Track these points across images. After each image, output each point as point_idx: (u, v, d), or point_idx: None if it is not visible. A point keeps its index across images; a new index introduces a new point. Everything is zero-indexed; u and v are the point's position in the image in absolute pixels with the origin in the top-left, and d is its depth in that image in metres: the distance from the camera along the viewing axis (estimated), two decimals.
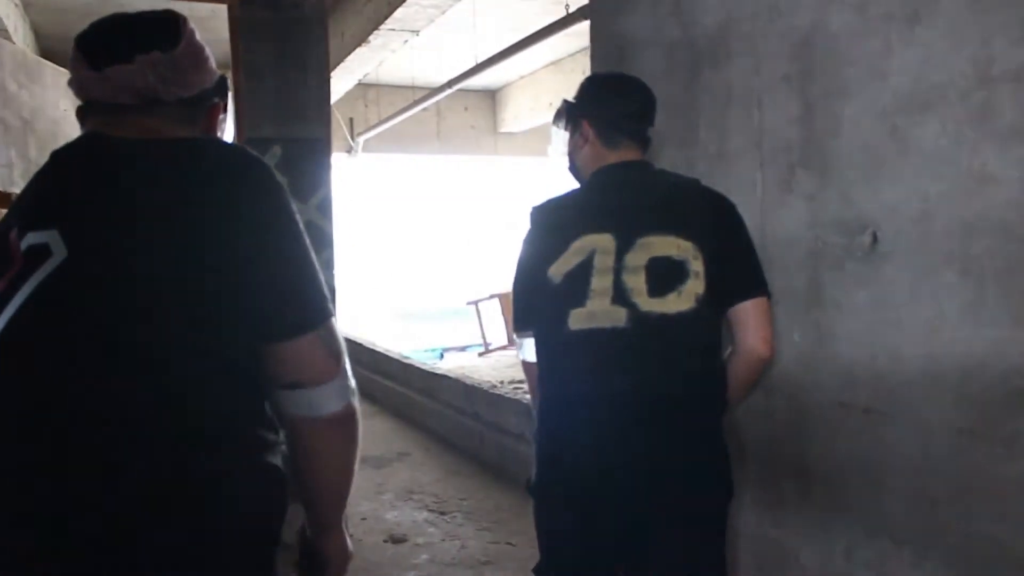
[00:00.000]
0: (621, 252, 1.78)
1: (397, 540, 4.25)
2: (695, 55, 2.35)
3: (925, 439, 1.76)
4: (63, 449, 1.06)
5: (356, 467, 1.30)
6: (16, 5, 7.12)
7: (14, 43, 6.61)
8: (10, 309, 1.11)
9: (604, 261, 1.78)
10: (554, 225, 1.92)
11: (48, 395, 1.09)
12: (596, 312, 1.77)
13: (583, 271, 1.80)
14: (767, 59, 2.12)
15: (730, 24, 2.23)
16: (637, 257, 1.77)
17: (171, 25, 1.35)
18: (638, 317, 1.74)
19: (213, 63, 1.42)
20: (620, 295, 1.75)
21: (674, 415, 1.74)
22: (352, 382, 1.26)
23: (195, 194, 1.17)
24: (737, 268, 1.82)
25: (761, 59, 2.14)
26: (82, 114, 1.34)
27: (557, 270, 1.84)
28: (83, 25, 1.40)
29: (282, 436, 1.26)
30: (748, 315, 1.81)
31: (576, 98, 2.04)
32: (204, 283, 1.13)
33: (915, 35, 1.72)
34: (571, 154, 2.05)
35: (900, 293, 1.79)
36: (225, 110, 1.45)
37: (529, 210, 1.99)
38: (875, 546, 1.90)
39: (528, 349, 1.96)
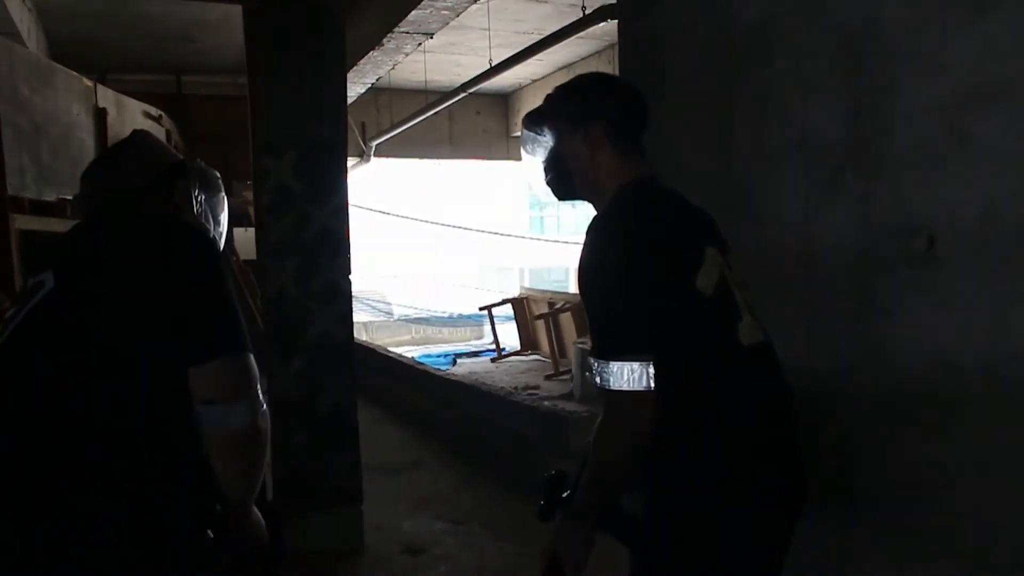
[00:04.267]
0: (728, 266, 1.63)
1: (414, 551, 4.16)
2: (733, 52, 2.26)
3: (986, 456, 1.66)
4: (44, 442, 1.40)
5: (259, 473, 1.63)
6: (29, 10, 7.08)
7: (27, 48, 6.57)
8: (12, 324, 1.50)
9: (729, 274, 1.61)
10: (680, 231, 1.63)
11: (28, 391, 1.44)
12: (752, 326, 1.60)
13: (724, 283, 1.59)
14: (811, 55, 2.03)
15: (772, 20, 2.13)
16: (736, 274, 1.64)
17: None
18: (765, 331, 1.64)
19: (166, 154, 1.85)
20: (750, 308, 1.63)
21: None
22: (261, 406, 1.55)
23: (146, 255, 1.56)
24: None
25: (805, 55, 2.04)
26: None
27: (706, 281, 1.57)
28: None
29: None
30: None
31: (583, 97, 1.75)
32: (146, 318, 1.48)
33: (977, 26, 1.62)
34: (565, 161, 1.73)
35: (959, 300, 1.69)
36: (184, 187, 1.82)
37: (631, 211, 1.64)
38: (933, 570, 1.79)
39: (639, 375, 1.52)
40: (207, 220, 1.84)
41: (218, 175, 1.94)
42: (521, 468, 5.23)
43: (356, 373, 4.12)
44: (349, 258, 4.13)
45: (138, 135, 1.86)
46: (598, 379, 1.54)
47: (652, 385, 1.49)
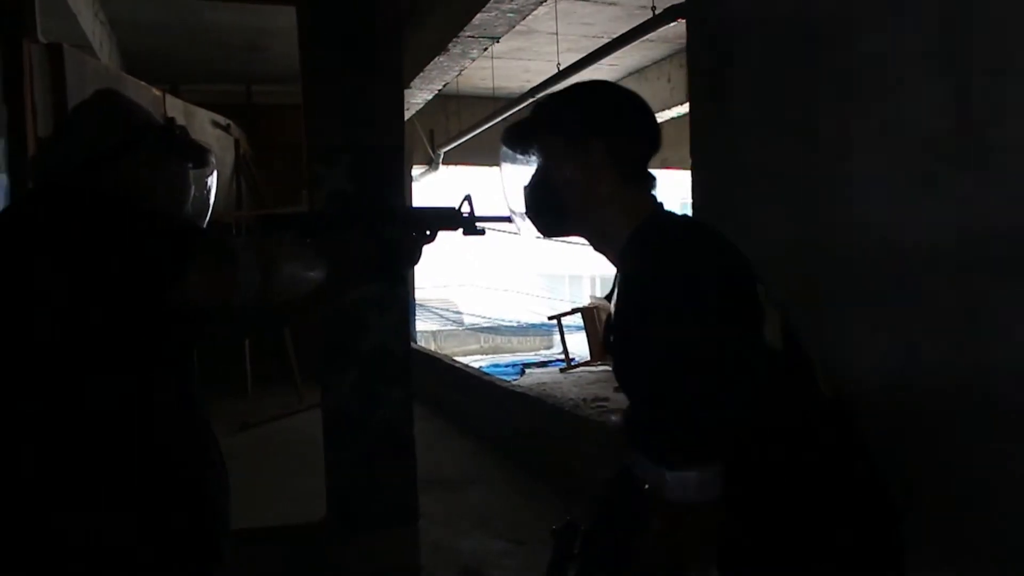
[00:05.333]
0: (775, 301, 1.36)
1: (472, 574, 3.98)
2: (811, 37, 2.03)
3: None
4: None
5: (276, 266, 1.48)
6: (102, 23, 7.20)
7: (97, 60, 6.65)
8: None
9: (783, 313, 1.35)
10: (736, 278, 1.29)
11: None
12: (821, 370, 1.35)
13: (787, 328, 1.32)
14: (905, 35, 1.78)
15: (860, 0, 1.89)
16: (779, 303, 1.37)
17: None
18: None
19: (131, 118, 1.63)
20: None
21: None
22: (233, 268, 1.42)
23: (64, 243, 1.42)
24: None
25: (897, 35, 1.80)
26: None
27: (773, 331, 1.29)
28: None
29: None
30: None
31: (580, 110, 1.42)
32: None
33: None
34: (555, 190, 1.40)
35: None
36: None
37: (677, 259, 1.28)
38: None
39: (710, 483, 1.20)
40: (175, 194, 1.65)
41: (203, 145, 1.75)
42: (585, 486, 5.01)
43: (412, 385, 3.98)
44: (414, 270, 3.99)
45: (100, 94, 1.66)
46: (650, 484, 1.24)
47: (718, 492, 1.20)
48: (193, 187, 1.73)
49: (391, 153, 3.94)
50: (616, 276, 1.41)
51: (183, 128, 1.79)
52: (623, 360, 1.36)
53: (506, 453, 6.26)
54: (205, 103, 7.78)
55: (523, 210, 1.45)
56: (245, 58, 8.72)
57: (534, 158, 1.42)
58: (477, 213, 1.75)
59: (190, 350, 1.57)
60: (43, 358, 1.35)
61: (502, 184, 1.49)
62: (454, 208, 1.74)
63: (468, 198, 1.74)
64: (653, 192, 1.42)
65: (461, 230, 1.75)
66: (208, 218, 1.84)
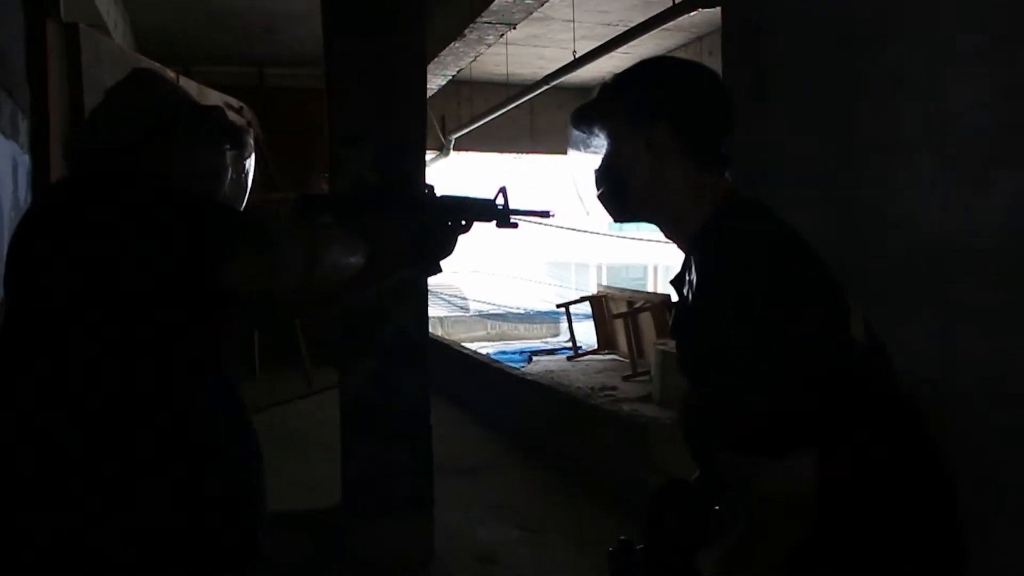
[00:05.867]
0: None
1: (486, 560, 3.99)
2: (855, 29, 2.00)
3: None
4: None
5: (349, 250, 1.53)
6: (116, 3, 7.17)
7: (112, 39, 6.63)
8: None
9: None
10: (822, 270, 1.29)
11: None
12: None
13: (868, 324, 1.30)
14: (953, 29, 1.76)
15: None
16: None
17: None
18: None
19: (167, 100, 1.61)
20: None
21: None
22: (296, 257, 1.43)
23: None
24: None
25: (945, 30, 1.78)
26: None
27: (857, 327, 1.27)
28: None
29: None
30: None
31: (646, 89, 1.38)
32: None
33: None
34: (622, 173, 1.37)
35: None
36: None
37: (761, 249, 1.28)
38: None
39: (806, 471, 1.19)
40: (212, 177, 1.61)
41: (242, 126, 1.71)
42: (599, 474, 5.01)
43: (430, 373, 3.98)
44: None
45: (137, 75, 1.63)
46: (742, 475, 1.23)
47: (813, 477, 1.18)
48: (231, 169, 1.71)
49: (414, 138, 3.92)
50: (686, 262, 1.37)
51: (220, 109, 1.75)
52: (697, 349, 1.33)
53: (517, 441, 6.26)
54: (217, 85, 7.75)
55: (594, 194, 1.42)
56: (259, 41, 8.69)
57: (602, 141, 1.38)
58: (510, 205, 1.74)
59: (233, 337, 1.55)
60: (95, 344, 1.33)
61: (571, 167, 1.46)
62: (491, 199, 1.72)
63: (503, 190, 1.72)
64: (726, 175, 1.38)
65: (495, 222, 1.73)
66: (245, 201, 1.81)
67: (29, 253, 1.42)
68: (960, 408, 1.77)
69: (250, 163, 1.79)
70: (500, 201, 1.72)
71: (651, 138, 1.34)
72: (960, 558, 1.29)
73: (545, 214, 1.85)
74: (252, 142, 1.78)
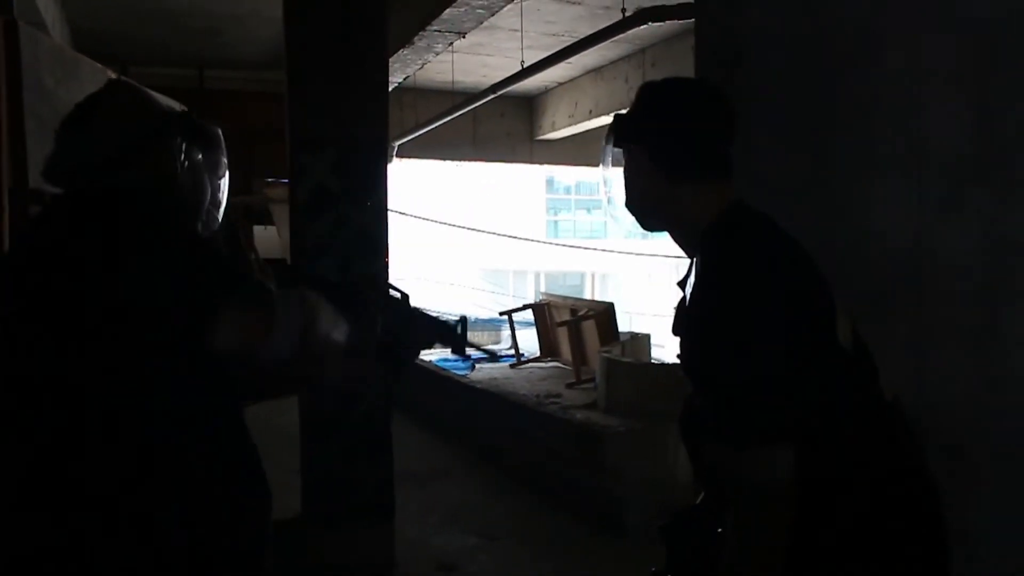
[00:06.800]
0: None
1: (447, 568, 3.99)
2: (833, 52, 2.08)
3: None
4: None
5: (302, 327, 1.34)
6: (54, 0, 6.96)
7: (51, 38, 6.43)
8: None
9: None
10: (811, 275, 1.38)
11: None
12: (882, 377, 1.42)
13: (855, 331, 1.39)
14: (930, 54, 1.85)
15: (880, 15, 1.95)
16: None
17: None
18: None
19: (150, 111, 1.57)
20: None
21: None
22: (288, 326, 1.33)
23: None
24: None
25: (921, 55, 1.87)
26: None
27: (844, 332, 1.36)
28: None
29: None
30: None
31: (631, 117, 1.50)
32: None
33: None
34: (628, 188, 1.50)
35: None
36: None
37: (756, 253, 1.37)
38: None
39: (784, 464, 1.27)
40: (200, 187, 1.59)
41: (219, 132, 1.67)
42: (552, 480, 5.05)
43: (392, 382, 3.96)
44: (387, 260, 3.97)
45: (115, 86, 1.59)
46: (727, 467, 1.30)
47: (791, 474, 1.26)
48: (213, 177, 1.65)
49: (376, 144, 3.91)
50: (690, 265, 1.46)
51: (195, 114, 1.71)
52: (693, 348, 1.40)
53: (468, 448, 6.27)
54: (156, 87, 7.54)
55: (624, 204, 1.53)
56: (200, 42, 8.52)
57: (622, 155, 1.50)
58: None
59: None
60: (96, 362, 1.31)
61: (610, 179, 1.57)
62: (454, 327, 1.71)
63: (464, 319, 1.73)
64: (724, 185, 1.46)
65: (451, 348, 1.72)
66: (224, 209, 1.77)
67: (40, 284, 1.37)
68: (934, 422, 1.86)
69: (225, 167, 1.75)
70: (459, 329, 1.71)
71: (634, 160, 1.47)
72: (943, 562, 1.36)
73: (495, 357, 1.91)
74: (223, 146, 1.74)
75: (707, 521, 1.45)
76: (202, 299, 1.28)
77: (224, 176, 1.72)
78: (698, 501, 1.51)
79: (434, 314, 1.78)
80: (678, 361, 1.47)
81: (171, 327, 1.29)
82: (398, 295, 1.68)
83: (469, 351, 1.77)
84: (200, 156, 1.61)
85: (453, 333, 1.70)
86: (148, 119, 1.54)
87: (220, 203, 1.73)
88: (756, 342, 1.29)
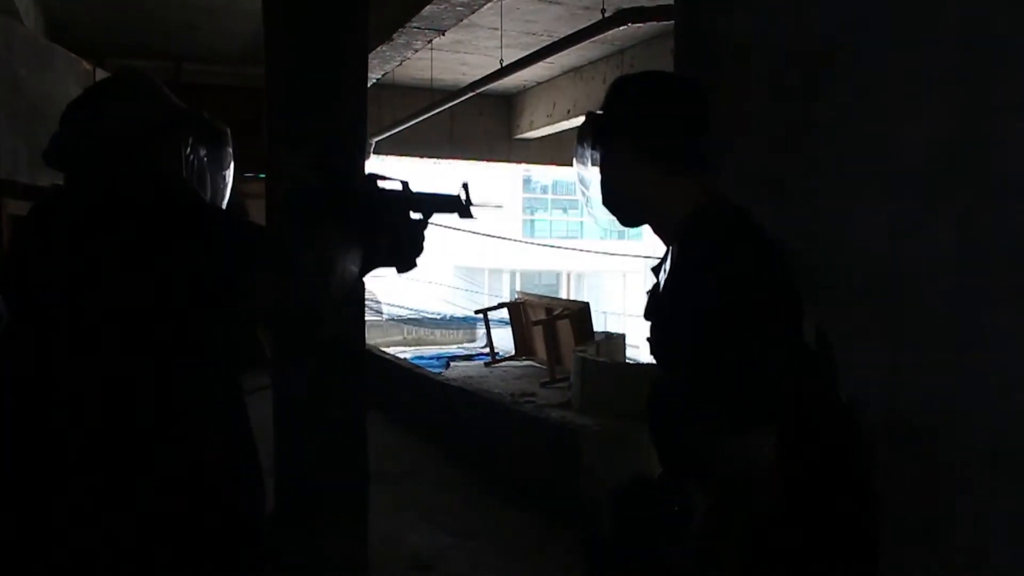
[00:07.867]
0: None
1: (422, 567, 3.98)
2: (812, 60, 2.11)
3: None
4: None
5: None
6: None
7: (25, 26, 6.34)
8: None
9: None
10: (783, 273, 1.39)
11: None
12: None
13: (821, 330, 1.40)
14: (906, 62, 1.88)
15: (860, 24, 1.98)
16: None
17: None
18: None
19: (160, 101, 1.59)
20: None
21: None
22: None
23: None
24: None
25: (900, 65, 1.89)
26: None
27: (809, 332, 1.37)
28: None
29: None
30: None
31: (612, 111, 1.51)
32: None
33: None
34: (605, 184, 1.50)
35: None
36: None
37: (731, 249, 1.38)
38: None
39: (765, 449, 1.29)
40: (203, 184, 1.60)
41: (227, 129, 1.69)
42: (527, 479, 5.06)
43: (367, 381, 3.95)
44: None
45: (125, 74, 1.60)
46: (703, 452, 1.33)
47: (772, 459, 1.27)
48: (218, 168, 1.67)
49: (356, 137, 3.89)
50: (665, 254, 1.47)
51: (205, 112, 1.72)
52: (664, 338, 1.44)
53: (441, 446, 6.26)
54: None
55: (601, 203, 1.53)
56: (177, 35, 8.44)
57: (597, 154, 1.50)
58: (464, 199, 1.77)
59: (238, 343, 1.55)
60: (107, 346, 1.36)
61: (583, 180, 1.56)
62: (454, 195, 1.76)
63: (466, 185, 1.77)
64: (703, 177, 1.47)
65: (457, 214, 1.77)
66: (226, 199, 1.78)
67: (58, 265, 1.40)
68: (908, 426, 1.88)
69: (231, 160, 1.76)
70: (463, 196, 1.76)
71: (616, 154, 1.47)
72: (871, 553, 1.39)
73: (499, 206, 1.93)
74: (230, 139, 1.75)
75: (663, 495, 1.46)
76: (221, 280, 1.37)
77: (229, 176, 1.73)
78: (657, 475, 1.52)
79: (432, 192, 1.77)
80: (648, 346, 1.49)
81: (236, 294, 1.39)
82: (399, 185, 1.67)
83: (475, 212, 1.78)
84: (206, 154, 1.62)
85: (457, 200, 1.74)
86: (156, 110, 1.54)
87: (223, 192, 1.74)
88: (745, 327, 1.30)
